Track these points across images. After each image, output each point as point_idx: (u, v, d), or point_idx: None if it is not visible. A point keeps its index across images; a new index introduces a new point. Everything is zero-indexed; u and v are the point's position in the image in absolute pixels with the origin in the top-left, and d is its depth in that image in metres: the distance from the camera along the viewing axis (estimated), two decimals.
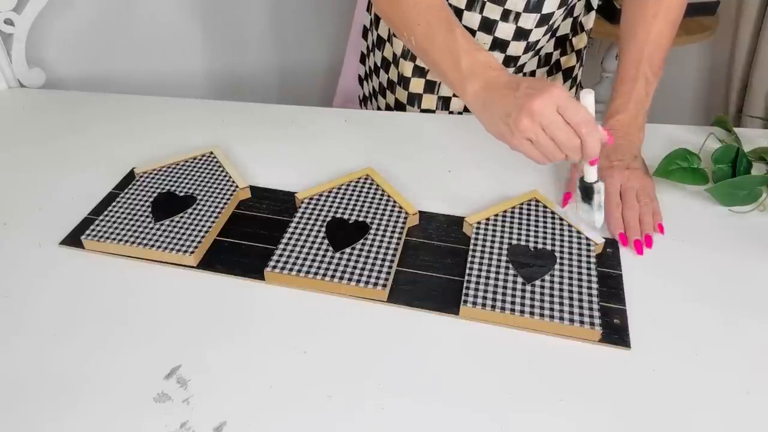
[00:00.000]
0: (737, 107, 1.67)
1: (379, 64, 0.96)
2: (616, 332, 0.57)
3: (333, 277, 0.61)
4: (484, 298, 0.59)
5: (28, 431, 0.49)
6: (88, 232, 0.67)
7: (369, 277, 0.61)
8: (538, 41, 0.88)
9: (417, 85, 0.92)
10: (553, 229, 0.68)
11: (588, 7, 0.93)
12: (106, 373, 0.54)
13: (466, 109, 0.94)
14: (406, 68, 0.91)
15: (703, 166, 0.76)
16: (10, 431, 0.49)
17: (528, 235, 0.67)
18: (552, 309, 0.58)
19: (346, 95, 1.10)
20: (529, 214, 0.70)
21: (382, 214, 0.69)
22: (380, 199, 0.71)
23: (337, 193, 0.72)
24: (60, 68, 1.19)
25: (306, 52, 1.52)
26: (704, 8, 1.54)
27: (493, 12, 0.83)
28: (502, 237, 0.66)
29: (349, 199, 0.71)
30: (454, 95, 0.93)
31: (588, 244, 0.66)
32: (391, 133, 0.88)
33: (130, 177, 0.77)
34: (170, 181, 0.75)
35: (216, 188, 0.73)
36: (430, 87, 0.92)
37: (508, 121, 0.61)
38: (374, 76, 0.99)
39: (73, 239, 0.68)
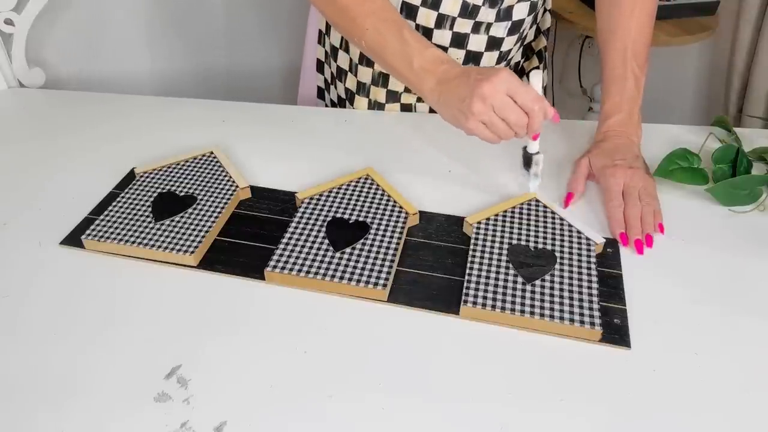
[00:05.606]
0: (737, 107, 1.67)
1: (335, 74, 0.94)
2: (616, 332, 0.57)
3: (333, 277, 0.61)
4: (485, 298, 0.59)
5: (29, 430, 0.49)
6: (88, 232, 0.67)
7: (369, 277, 0.61)
8: (510, 51, 0.87)
9: (378, 93, 0.91)
10: (554, 229, 0.68)
11: (543, 9, 0.93)
12: (106, 372, 0.54)
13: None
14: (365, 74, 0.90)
15: (703, 166, 0.76)
16: (10, 431, 0.49)
17: (528, 235, 0.67)
18: (552, 309, 0.58)
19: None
20: (529, 214, 0.70)
21: (382, 214, 0.69)
22: (380, 199, 0.71)
23: (338, 193, 0.72)
24: (60, 68, 1.19)
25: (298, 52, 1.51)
26: (704, 8, 1.53)
27: (463, 26, 0.82)
28: (502, 237, 0.66)
29: (349, 199, 0.71)
30: (418, 101, 0.92)
31: (588, 244, 0.66)
32: (390, 133, 0.88)
33: (130, 177, 0.77)
34: (170, 181, 0.75)
35: (216, 188, 0.73)
36: (393, 96, 0.91)
37: (462, 106, 0.65)
38: (337, 82, 0.96)
39: (73, 239, 0.68)
